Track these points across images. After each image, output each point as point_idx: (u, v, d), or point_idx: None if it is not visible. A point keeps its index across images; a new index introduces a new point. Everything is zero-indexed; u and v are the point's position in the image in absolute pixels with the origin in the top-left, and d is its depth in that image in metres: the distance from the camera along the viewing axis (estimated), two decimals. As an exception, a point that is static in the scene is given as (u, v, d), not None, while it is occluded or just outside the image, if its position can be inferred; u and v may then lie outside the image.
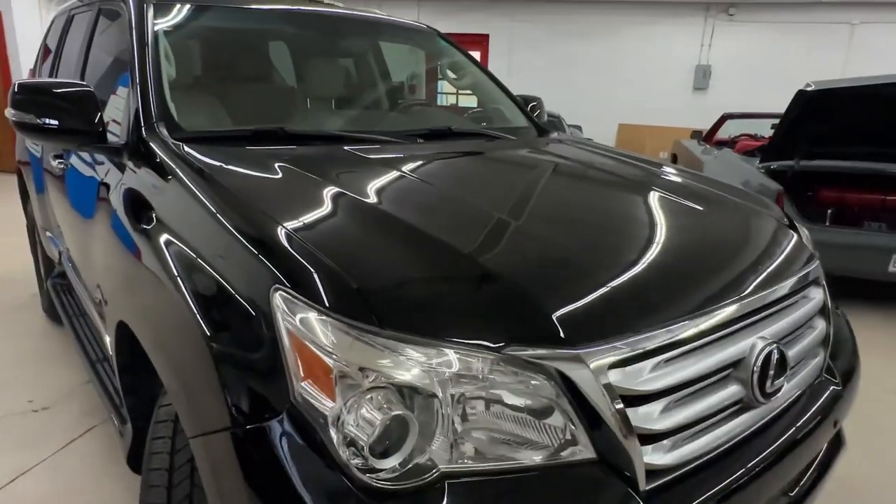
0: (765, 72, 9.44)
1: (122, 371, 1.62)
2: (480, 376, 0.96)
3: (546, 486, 0.98)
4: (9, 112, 1.69)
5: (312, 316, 0.97)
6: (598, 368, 1.00)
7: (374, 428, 0.89)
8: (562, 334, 1.00)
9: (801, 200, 4.06)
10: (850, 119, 4.03)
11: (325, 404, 0.94)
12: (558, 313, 1.04)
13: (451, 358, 0.95)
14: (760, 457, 1.20)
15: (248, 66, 2.26)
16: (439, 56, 2.87)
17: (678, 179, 1.95)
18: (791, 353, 1.32)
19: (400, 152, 1.86)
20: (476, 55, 10.61)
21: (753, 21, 9.58)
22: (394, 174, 1.58)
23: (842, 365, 1.59)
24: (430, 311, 1.01)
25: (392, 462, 0.91)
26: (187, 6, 2.08)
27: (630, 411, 1.02)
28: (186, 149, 1.55)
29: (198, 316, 1.13)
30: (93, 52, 2.31)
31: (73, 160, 2.13)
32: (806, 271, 1.50)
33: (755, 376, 1.19)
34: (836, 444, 1.63)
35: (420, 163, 1.78)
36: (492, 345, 0.97)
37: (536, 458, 0.99)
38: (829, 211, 4.11)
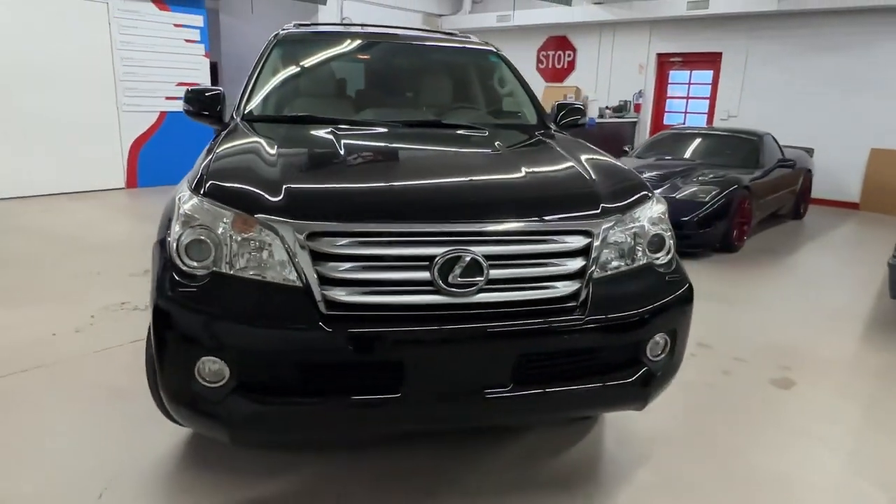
0: None
1: None
2: (245, 228, 1.83)
3: (273, 290, 1.79)
4: (183, 105, 3.08)
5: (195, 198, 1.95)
6: (301, 233, 1.77)
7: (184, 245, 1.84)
8: (290, 212, 1.81)
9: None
10: None
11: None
12: (295, 200, 1.84)
13: (227, 217, 1.85)
14: (437, 328, 1.79)
15: (316, 79, 3.37)
16: (493, 69, 3.58)
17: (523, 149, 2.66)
18: (499, 271, 1.84)
19: (381, 131, 2.74)
20: (707, 75, 10.33)
21: None
22: (349, 141, 2.44)
23: (613, 309, 1.95)
24: (244, 197, 1.91)
25: (193, 263, 1.84)
26: (292, 42, 3.30)
27: (319, 263, 1.77)
28: (241, 122, 2.75)
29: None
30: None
31: None
32: (565, 225, 1.95)
33: (436, 269, 1.79)
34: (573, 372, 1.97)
35: (378, 134, 2.67)
36: (249, 214, 1.83)
37: (270, 276, 1.81)
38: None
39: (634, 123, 10.91)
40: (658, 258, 2.17)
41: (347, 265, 1.79)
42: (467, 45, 3.61)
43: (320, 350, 1.76)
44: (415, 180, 2.12)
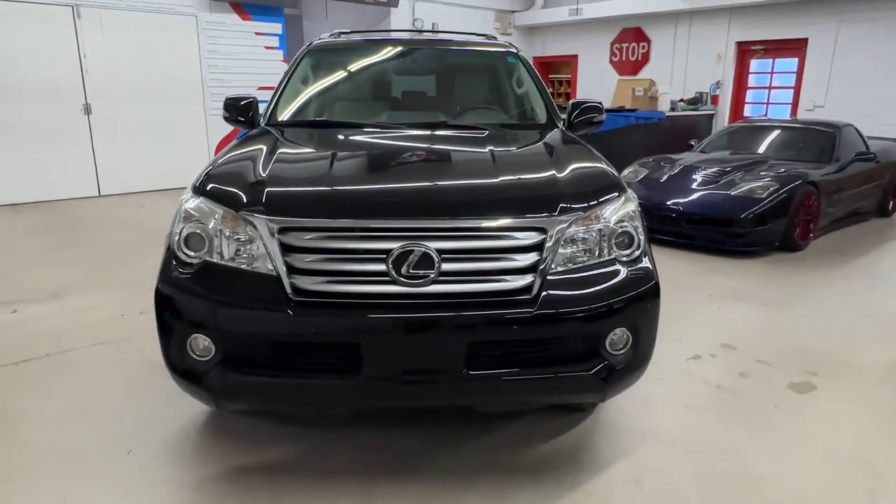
0: None
1: None
2: (232, 223, 2.09)
3: (251, 277, 2.05)
4: (223, 112, 3.43)
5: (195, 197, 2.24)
6: (273, 227, 2.01)
7: (184, 238, 2.13)
8: (266, 209, 2.05)
9: None
10: None
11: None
12: (271, 199, 2.08)
13: (218, 213, 2.12)
14: (391, 316, 1.97)
15: (336, 85, 3.60)
16: (511, 70, 3.68)
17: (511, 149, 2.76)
18: (452, 265, 2.00)
19: (382, 135, 2.95)
20: (791, 63, 9.73)
21: None
22: (344, 147, 2.68)
23: (565, 303, 2.05)
24: (233, 196, 2.17)
25: (191, 253, 2.13)
26: (319, 52, 3.58)
27: (288, 255, 2.00)
28: (265, 127, 3.06)
29: None
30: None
31: None
32: (517, 223, 2.07)
33: (391, 262, 1.97)
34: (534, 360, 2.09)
35: (377, 139, 2.87)
36: (234, 211, 2.09)
37: (250, 265, 2.06)
38: None
39: (711, 116, 10.46)
40: (626, 255, 2.22)
41: (313, 257, 2.01)
42: (487, 48, 3.74)
43: (287, 331, 2.00)
44: (383, 182, 2.32)
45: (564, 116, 3.36)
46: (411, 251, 1.97)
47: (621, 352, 2.16)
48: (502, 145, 2.77)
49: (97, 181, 8.52)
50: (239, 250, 2.09)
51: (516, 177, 2.37)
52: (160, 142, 8.96)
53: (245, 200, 2.13)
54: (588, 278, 2.13)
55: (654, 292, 2.22)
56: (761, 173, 5.99)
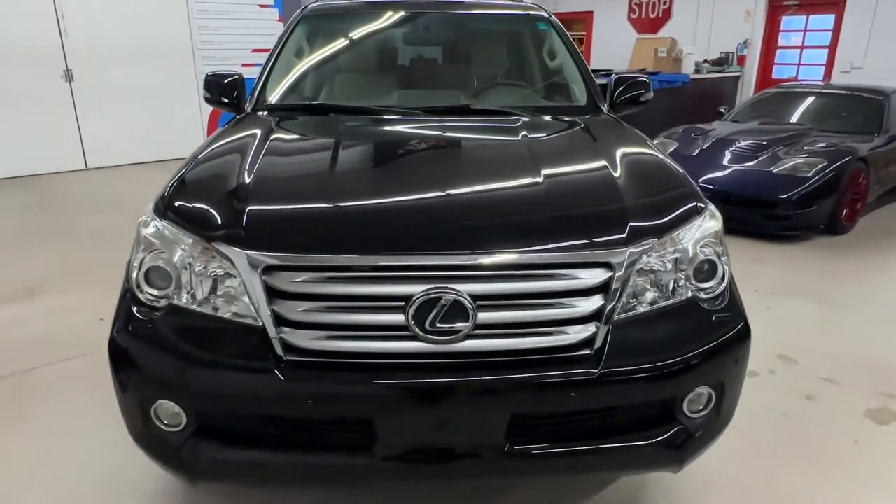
0: None
1: None
2: (204, 256, 1.62)
3: (230, 329, 1.58)
4: (203, 93, 2.90)
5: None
6: (256, 265, 1.53)
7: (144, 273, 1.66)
8: (245, 238, 1.57)
9: None
10: None
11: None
12: (253, 224, 1.60)
13: (185, 242, 1.64)
14: (413, 381, 1.51)
15: (338, 60, 3.05)
16: (542, 39, 3.12)
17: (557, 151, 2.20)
18: (491, 314, 1.52)
19: (392, 125, 2.44)
20: (828, 20, 9.00)
21: None
22: (347, 142, 2.16)
23: (637, 358, 1.58)
24: (204, 219, 1.69)
25: (154, 292, 1.66)
26: (316, 18, 3.01)
27: (276, 301, 1.53)
28: (251, 113, 2.57)
29: None
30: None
31: None
32: (578, 256, 1.57)
33: (412, 312, 1.49)
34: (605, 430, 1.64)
35: (386, 130, 2.36)
36: (206, 241, 1.61)
37: (228, 312, 1.59)
38: None
39: (737, 78, 9.78)
40: (707, 290, 1.75)
41: (308, 305, 1.53)
42: (513, 12, 3.17)
43: (276, 401, 1.54)
44: (399, 201, 1.80)
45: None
46: (438, 298, 1.50)
47: (701, 414, 1.71)
48: (542, 140, 2.26)
49: (83, 153, 7.98)
50: (215, 289, 1.62)
51: (568, 187, 1.87)
52: (149, 110, 8.36)
53: (218, 224, 1.64)
54: (663, 325, 1.66)
55: (744, 337, 1.75)
56: (805, 148, 5.43)
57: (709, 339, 1.67)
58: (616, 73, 2.97)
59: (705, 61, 9.95)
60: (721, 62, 9.83)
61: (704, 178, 5.36)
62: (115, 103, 8.04)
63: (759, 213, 5.12)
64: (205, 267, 1.62)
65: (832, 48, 9.03)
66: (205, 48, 8.67)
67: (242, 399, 1.56)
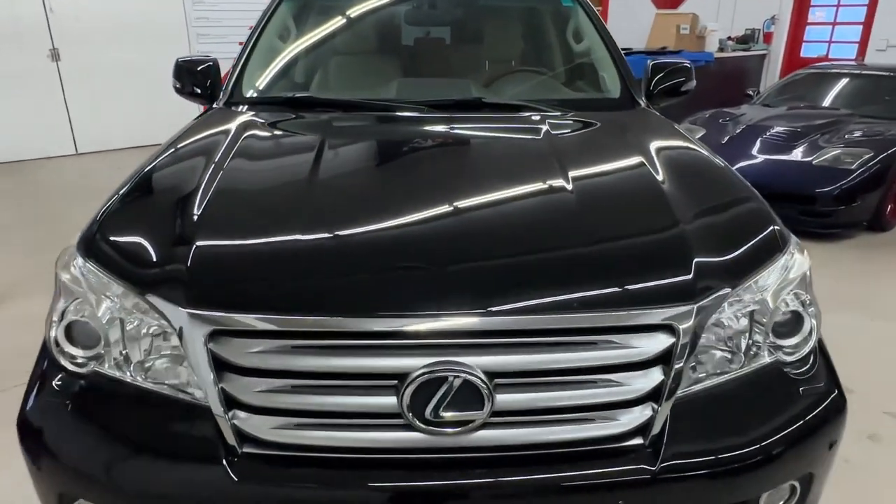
0: None
1: None
2: (131, 306, 1.23)
3: (171, 409, 1.21)
4: (173, 82, 2.48)
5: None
6: (198, 330, 1.15)
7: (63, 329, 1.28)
8: (187, 289, 1.18)
9: None
10: None
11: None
12: (200, 270, 1.21)
13: (115, 291, 1.25)
14: (414, 484, 1.13)
15: (329, 43, 2.61)
16: (566, 17, 2.68)
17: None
18: (513, 397, 1.13)
19: (389, 123, 2.03)
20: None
21: None
22: (332, 150, 1.75)
23: (704, 449, 1.20)
24: (138, 262, 1.30)
25: (78, 352, 1.28)
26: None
27: (227, 377, 1.14)
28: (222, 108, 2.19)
29: None
30: None
31: None
32: (629, 318, 1.17)
33: (407, 395, 1.11)
34: None
35: (380, 131, 1.95)
36: (138, 292, 1.22)
37: (167, 386, 1.22)
38: None
39: (763, 57, 9.21)
40: (790, 351, 1.35)
41: (269, 383, 1.15)
42: None
43: None
44: (388, 234, 1.36)
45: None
46: (444, 378, 1.11)
47: None
48: (574, 148, 1.83)
49: (73, 137, 7.59)
50: (151, 353, 1.24)
51: (613, 219, 1.45)
52: (142, 91, 7.91)
53: (154, 269, 1.26)
54: (737, 401, 1.27)
55: (839, 410, 1.36)
56: (846, 136, 4.95)
57: (796, 418, 1.28)
58: (652, 58, 2.52)
59: (729, 38, 9.35)
60: (746, 39, 9.23)
61: (735, 168, 4.90)
62: (105, 84, 7.62)
63: (797, 209, 4.66)
64: (139, 324, 1.24)
65: (867, 24, 8.44)
66: (199, 25, 8.20)
67: (183, 502, 1.19)
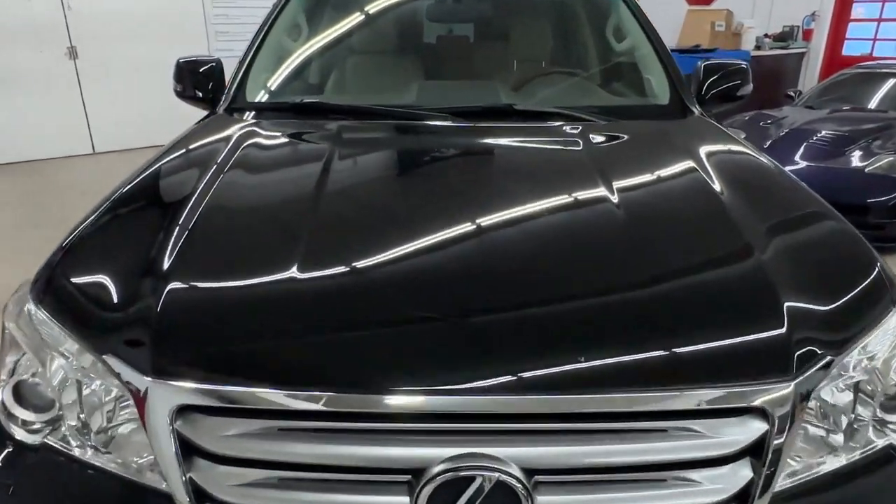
0: None
1: None
2: (88, 365, 1.01)
3: (131, 496, 0.98)
4: (174, 85, 2.28)
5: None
6: (162, 403, 0.92)
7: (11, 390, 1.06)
8: (152, 353, 0.96)
9: None
10: None
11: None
12: (160, 334, 0.98)
13: (69, 347, 1.03)
14: None
15: (346, 41, 2.37)
16: (606, 13, 2.40)
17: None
18: (559, 499, 0.88)
19: (406, 137, 1.81)
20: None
21: None
22: (340, 167, 1.52)
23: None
24: (96, 313, 1.08)
25: (27, 417, 1.06)
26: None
27: (196, 465, 0.91)
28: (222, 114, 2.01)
29: None
30: None
31: None
32: (707, 396, 0.91)
33: (423, 496, 0.87)
34: None
35: (394, 149, 1.71)
36: (95, 351, 1.00)
37: (127, 466, 0.99)
38: None
39: (801, 55, 8.78)
40: (901, 428, 1.08)
41: (247, 474, 0.91)
42: None
43: None
44: (400, 285, 1.10)
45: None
46: (470, 478, 0.86)
47: None
48: (621, 165, 1.55)
49: (90, 137, 7.49)
50: (111, 422, 1.02)
51: (682, 268, 1.17)
52: (161, 89, 7.72)
53: (114, 325, 1.03)
54: (844, 498, 1.00)
55: None
56: (900, 141, 4.60)
57: None
58: (703, 60, 2.24)
59: (766, 36, 8.94)
60: (785, 37, 8.80)
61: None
62: (123, 82, 7.50)
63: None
64: (99, 387, 1.02)
65: (915, 21, 8.00)
66: (219, 22, 8.05)
67: None
